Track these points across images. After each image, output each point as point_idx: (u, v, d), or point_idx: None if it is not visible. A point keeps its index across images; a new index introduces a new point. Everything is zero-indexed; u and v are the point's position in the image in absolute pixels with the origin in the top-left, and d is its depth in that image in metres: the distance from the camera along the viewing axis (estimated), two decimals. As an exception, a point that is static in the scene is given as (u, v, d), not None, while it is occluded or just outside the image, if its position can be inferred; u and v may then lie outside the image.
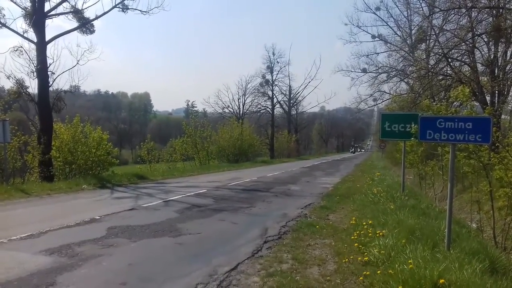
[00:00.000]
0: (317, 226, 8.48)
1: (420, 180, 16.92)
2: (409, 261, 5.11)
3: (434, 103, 15.74)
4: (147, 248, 6.76)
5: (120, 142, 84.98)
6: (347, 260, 6.00)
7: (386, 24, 31.28)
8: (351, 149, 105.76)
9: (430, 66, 19.87)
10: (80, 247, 6.59)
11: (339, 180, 19.90)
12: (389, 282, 4.80)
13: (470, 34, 16.82)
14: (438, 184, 15.18)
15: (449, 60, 18.53)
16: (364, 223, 8.04)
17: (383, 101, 33.96)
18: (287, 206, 11.47)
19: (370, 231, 7.34)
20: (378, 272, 5.21)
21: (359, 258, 5.99)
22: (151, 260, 6.09)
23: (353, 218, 9.03)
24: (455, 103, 17.11)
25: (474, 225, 10.13)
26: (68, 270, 5.50)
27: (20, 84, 17.41)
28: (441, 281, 4.48)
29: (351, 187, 16.29)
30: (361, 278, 5.21)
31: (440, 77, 20.70)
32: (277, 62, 55.25)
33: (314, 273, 5.62)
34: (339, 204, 11.82)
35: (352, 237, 7.21)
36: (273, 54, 54.74)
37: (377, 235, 6.93)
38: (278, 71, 55.80)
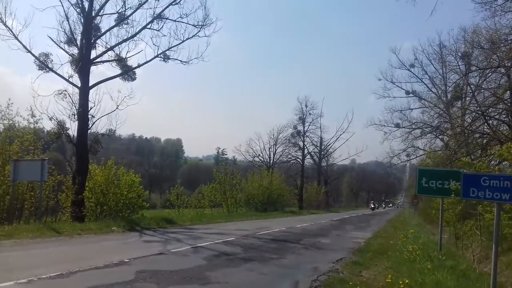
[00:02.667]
0: (350, 283, 8.12)
1: (456, 240, 16.21)
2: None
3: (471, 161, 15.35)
4: (175, 295, 6.61)
5: (150, 185, 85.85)
6: (384, 321, 5.67)
7: (420, 80, 31.43)
8: (371, 204, 76.02)
9: (466, 124, 19.58)
10: (109, 290, 6.51)
11: (371, 235, 19.28)
12: None
13: (508, 93, 16.60)
14: (476, 245, 14.49)
15: (487, 118, 18.21)
16: (400, 282, 7.64)
17: (416, 157, 33.52)
18: (317, 259, 11.12)
19: (407, 291, 6.97)
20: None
21: (397, 320, 5.65)
22: (179, 308, 5.93)
23: (389, 276, 8.63)
24: (492, 162, 16.65)
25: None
26: (96, 313, 5.40)
27: (61, 125, 18.06)
28: None
29: (384, 243, 15.72)
30: None
31: (477, 135, 20.30)
32: (309, 113, 55.79)
33: (348, 333, 5.32)
34: (372, 261, 11.36)
35: (388, 297, 6.86)
36: (306, 106, 55.41)
37: (415, 296, 6.56)
38: (310, 122, 56.24)
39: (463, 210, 14.30)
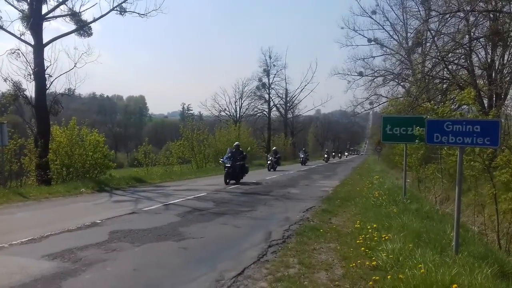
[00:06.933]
0: (321, 230, 8.42)
1: (419, 183, 16.92)
2: (420, 266, 5.05)
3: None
4: (151, 253, 6.68)
5: (116, 145, 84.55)
6: (354, 264, 5.93)
7: (382, 27, 31.50)
8: (324, 154, 52.36)
9: (427, 70, 19.91)
10: (83, 252, 6.49)
11: (338, 183, 19.84)
12: (399, 287, 4.74)
13: (467, 38, 16.88)
14: (437, 187, 15.19)
15: (446, 63, 18.56)
16: (368, 227, 7.97)
17: (379, 105, 34.09)
18: (288, 209, 11.40)
19: (375, 235, 7.27)
20: (388, 277, 5.13)
21: (367, 263, 5.93)
22: (155, 265, 6.00)
23: (357, 221, 8.98)
24: (452, 106, 17.15)
25: (475, 228, 10.12)
26: (72, 275, 5.40)
27: (17, 87, 17.25)
28: (454, 286, 4.43)
29: (351, 190, 16.24)
30: (370, 283, 5.14)
31: (437, 81, 20.75)
32: (274, 65, 55.35)
33: (322, 278, 5.56)
34: (341, 208, 11.76)
35: (358, 241, 7.15)
36: (270, 57, 54.84)
37: (383, 239, 6.86)
38: (275, 74, 55.88)
39: (425, 154, 14.86)
